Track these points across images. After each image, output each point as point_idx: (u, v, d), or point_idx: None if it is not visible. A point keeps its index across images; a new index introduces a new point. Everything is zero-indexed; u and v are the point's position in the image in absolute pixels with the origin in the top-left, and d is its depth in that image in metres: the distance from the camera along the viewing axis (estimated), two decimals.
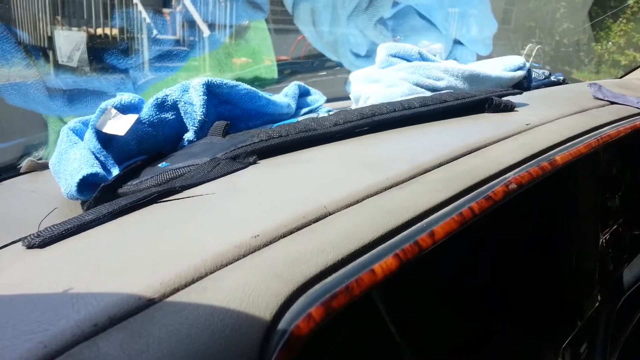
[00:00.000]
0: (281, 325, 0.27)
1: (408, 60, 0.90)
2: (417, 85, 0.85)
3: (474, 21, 1.45)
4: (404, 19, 1.21)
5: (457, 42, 1.43)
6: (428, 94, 0.85)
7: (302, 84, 0.72)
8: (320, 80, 1.30)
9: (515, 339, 0.70)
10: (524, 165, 0.51)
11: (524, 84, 1.14)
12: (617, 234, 0.88)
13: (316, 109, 0.69)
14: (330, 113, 0.66)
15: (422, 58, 0.91)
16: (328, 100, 1.07)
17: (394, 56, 0.90)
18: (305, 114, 0.68)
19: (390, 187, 0.41)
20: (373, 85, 0.88)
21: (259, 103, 0.61)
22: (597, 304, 0.83)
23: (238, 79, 0.64)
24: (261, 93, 0.61)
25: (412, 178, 0.43)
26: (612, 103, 0.84)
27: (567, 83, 1.21)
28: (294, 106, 0.66)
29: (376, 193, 0.40)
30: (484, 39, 1.51)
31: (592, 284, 0.81)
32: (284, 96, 0.67)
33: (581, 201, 0.76)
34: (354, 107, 0.91)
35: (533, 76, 1.19)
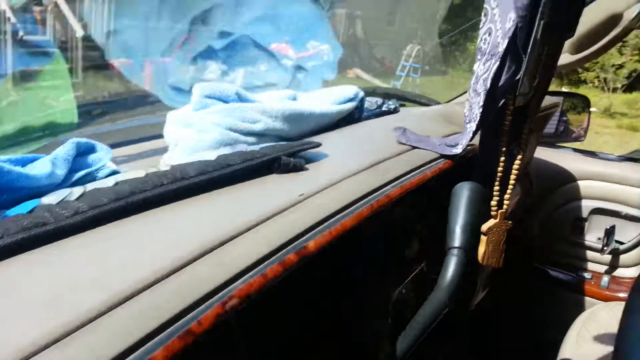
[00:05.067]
0: None
1: (225, 102, 0.85)
2: (231, 129, 0.80)
3: (316, 47, 1.46)
4: (238, 49, 1.17)
5: (300, 68, 1.43)
6: (243, 139, 0.81)
7: (83, 140, 0.63)
8: (137, 118, 1.19)
9: None
10: (283, 251, 0.47)
11: (355, 115, 1.15)
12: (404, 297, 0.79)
13: (96, 170, 0.61)
14: (107, 178, 0.58)
15: (240, 99, 0.87)
16: (148, 139, 0.97)
17: (209, 97, 0.84)
18: (81, 178, 0.59)
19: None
20: (185, 130, 0.81)
21: (8, 177, 0.51)
22: None
23: (26, 128, 0.54)
24: (8, 166, 0.51)
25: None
26: (414, 148, 0.86)
27: (397, 112, 1.26)
28: (62, 172, 0.57)
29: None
30: (329, 64, 1.53)
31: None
32: (53, 159, 0.58)
33: (371, 263, 0.71)
34: (170, 149, 0.84)
35: (365, 106, 1.21)
